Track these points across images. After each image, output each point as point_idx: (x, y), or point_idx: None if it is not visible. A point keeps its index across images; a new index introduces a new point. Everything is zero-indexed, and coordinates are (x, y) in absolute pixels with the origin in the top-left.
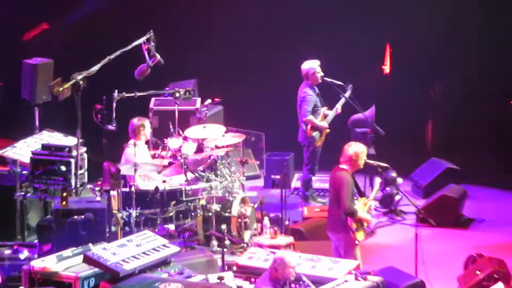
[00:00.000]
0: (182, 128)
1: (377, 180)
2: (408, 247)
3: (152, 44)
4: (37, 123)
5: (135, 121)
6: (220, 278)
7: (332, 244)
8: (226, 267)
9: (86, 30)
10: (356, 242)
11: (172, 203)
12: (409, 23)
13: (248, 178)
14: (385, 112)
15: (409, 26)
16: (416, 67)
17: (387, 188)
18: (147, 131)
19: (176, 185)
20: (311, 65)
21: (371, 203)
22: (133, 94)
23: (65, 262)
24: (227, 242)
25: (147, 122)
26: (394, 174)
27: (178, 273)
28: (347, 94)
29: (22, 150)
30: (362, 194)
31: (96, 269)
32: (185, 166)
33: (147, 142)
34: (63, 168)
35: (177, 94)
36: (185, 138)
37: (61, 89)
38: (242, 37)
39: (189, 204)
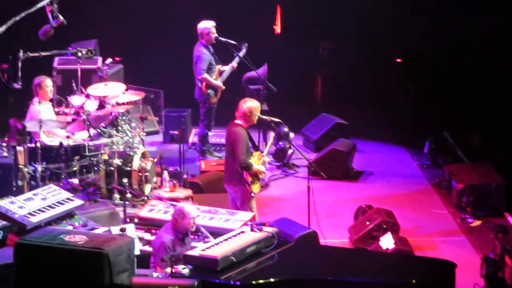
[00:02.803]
0: (84, 86)
1: (271, 135)
2: (300, 199)
3: (55, 6)
4: None
5: (36, 79)
6: (122, 230)
7: (229, 196)
8: (128, 219)
9: None
10: (252, 194)
11: (76, 158)
12: None
13: (148, 133)
14: (277, 70)
15: None
16: (305, 27)
17: (280, 143)
18: (46, 89)
19: (79, 140)
20: (206, 25)
21: (265, 157)
22: (37, 54)
23: None
24: (128, 195)
25: (47, 81)
26: (286, 129)
27: (82, 226)
28: (242, 53)
29: None
30: (256, 148)
31: (4, 222)
32: (87, 123)
33: (51, 100)
34: None
35: (80, 54)
36: (87, 96)
37: None
38: None
39: (92, 159)
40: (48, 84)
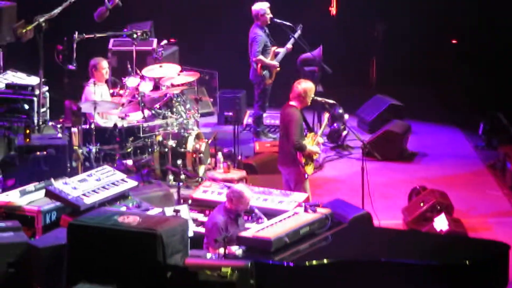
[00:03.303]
0: (139, 67)
1: (325, 116)
2: (355, 180)
3: None
4: (1, 63)
5: (92, 61)
6: (176, 211)
7: (283, 177)
8: (181, 201)
9: None
10: (306, 175)
11: (130, 139)
12: None
13: (202, 115)
14: (331, 51)
15: None
16: (359, 8)
17: (334, 124)
18: (102, 71)
19: (134, 122)
20: (261, 6)
21: (319, 138)
22: (92, 36)
23: (28, 197)
24: (182, 176)
25: (103, 63)
26: (341, 111)
27: (136, 207)
28: (296, 35)
29: None
30: (311, 129)
31: (58, 203)
32: (142, 104)
33: (106, 81)
34: (26, 106)
35: (135, 35)
36: (142, 77)
37: (24, 30)
38: None
39: (146, 140)
40: (103, 65)
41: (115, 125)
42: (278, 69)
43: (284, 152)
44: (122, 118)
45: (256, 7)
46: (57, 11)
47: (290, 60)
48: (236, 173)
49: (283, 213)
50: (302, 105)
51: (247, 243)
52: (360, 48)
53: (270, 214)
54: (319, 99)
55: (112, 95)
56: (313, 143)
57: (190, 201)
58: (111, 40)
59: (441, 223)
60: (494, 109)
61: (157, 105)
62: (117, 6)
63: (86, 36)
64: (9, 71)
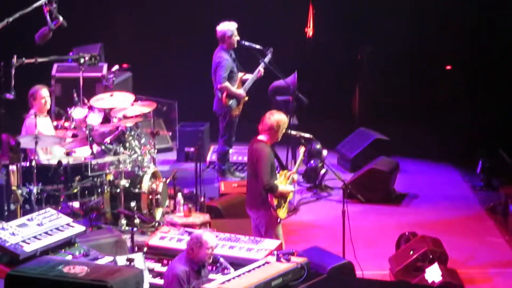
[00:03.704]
0: (87, 96)
1: (301, 149)
2: (334, 226)
3: (54, 5)
4: None
5: (35, 89)
6: (130, 260)
7: (252, 222)
8: (136, 248)
9: None
10: (278, 220)
11: (77, 178)
12: None
13: (160, 150)
14: (308, 78)
15: None
16: (341, 29)
17: (311, 161)
18: (48, 100)
19: (81, 159)
20: (229, 27)
21: (294, 175)
22: (33, 60)
23: None
24: (137, 220)
25: (45, 91)
26: (318, 146)
27: (83, 255)
28: (267, 59)
29: None
30: (283, 166)
31: None
32: (90, 138)
33: (49, 112)
34: None
35: (82, 60)
36: (90, 108)
37: None
38: None
39: (95, 179)
40: (42, 94)
41: (60, 162)
42: (246, 98)
43: (252, 193)
44: (68, 154)
45: (223, 27)
46: None
47: (260, 88)
48: (198, 217)
49: (252, 262)
50: (273, 140)
51: None
52: (341, 75)
53: (237, 263)
54: (293, 133)
55: (56, 128)
56: (286, 182)
57: (145, 249)
58: (55, 65)
59: (433, 274)
60: (495, 144)
61: (108, 140)
62: (62, 26)
63: (26, 60)
64: None
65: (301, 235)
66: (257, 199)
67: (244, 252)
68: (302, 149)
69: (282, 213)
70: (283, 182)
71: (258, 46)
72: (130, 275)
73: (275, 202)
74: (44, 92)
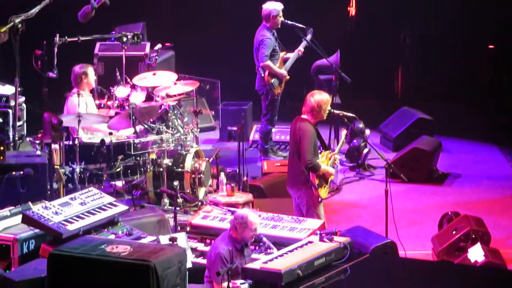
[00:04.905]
0: (130, 75)
1: (343, 132)
2: (377, 205)
3: None
4: None
5: (78, 68)
6: (173, 240)
7: (293, 201)
8: (179, 228)
9: None
10: (319, 199)
11: (120, 157)
12: None
13: (202, 129)
14: (351, 57)
15: None
16: (384, 9)
17: (354, 141)
18: (91, 79)
19: (123, 137)
20: (275, 6)
21: (336, 156)
22: (76, 39)
23: (3, 223)
24: (179, 200)
25: (90, 69)
26: (361, 125)
27: (126, 234)
28: (308, 38)
29: None
30: (326, 147)
31: (37, 230)
32: (133, 117)
33: (91, 91)
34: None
35: (124, 39)
36: (133, 87)
37: None
38: None
39: (138, 158)
40: (89, 73)
41: (102, 141)
42: (288, 77)
43: (294, 172)
44: (110, 133)
45: (269, 6)
46: (35, 10)
47: (302, 67)
48: (241, 197)
49: (295, 242)
50: (316, 119)
51: (254, 276)
52: (384, 55)
53: (280, 243)
54: (336, 112)
55: (99, 106)
56: (328, 162)
57: (188, 228)
58: (97, 44)
59: (476, 254)
60: None
61: (151, 119)
62: (105, 4)
63: (69, 39)
64: None
65: (343, 215)
66: (299, 178)
67: (286, 231)
68: (344, 132)
69: (323, 192)
70: (324, 163)
71: (300, 25)
72: (173, 254)
73: (316, 181)
74: (90, 70)
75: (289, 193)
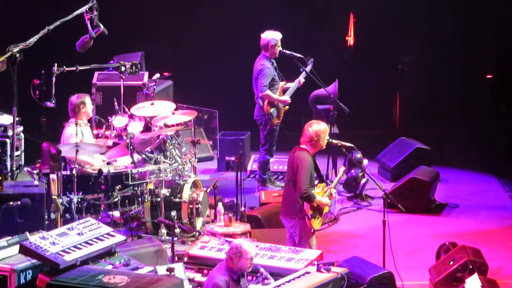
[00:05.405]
0: (128, 105)
1: (341, 169)
2: (375, 235)
3: (95, 13)
4: None
5: (75, 98)
6: (170, 270)
7: (287, 231)
8: (176, 258)
9: None
10: (312, 230)
11: (117, 187)
12: None
13: (200, 159)
14: (349, 87)
15: None
16: (382, 38)
17: (352, 171)
18: (88, 109)
19: (121, 167)
20: (274, 36)
21: (333, 190)
22: (74, 68)
23: (0, 253)
24: (177, 230)
25: (88, 99)
26: (359, 155)
27: (123, 264)
28: (308, 68)
29: None
30: (322, 179)
31: (34, 261)
32: (131, 147)
33: (89, 121)
34: None
35: (123, 68)
36: (131, 116)
37: None
38: (192, 3)
39: (136, 188)
40: (86, 102)
41: (100, 171)
42: (287, 107)
43: (288, 201)
44: (108, 163)
45: (268, 36)
46: (33, 39)
47: (301, 97)
48: (238, 227)
49: (292, 272)
50: (315, 149)
51: None
52: (382, 84)
53: (277, 273)
54: (334, 142)
55: (97, 136)
56: (323, 194)
57: (185, 259)
58: (96, 74)
59: (473, 285)
60: None
61: (148, 149)
62: (103, 34)
63: (67, 68)
64: None
65: (341, 245)
66: (293, 207)
67: (284, 262)
68: (342, 168)
69: (316, 224)
70: (320, 194)
71: (299, 55)
72: (170, 285)
73: (310, 212)
74: (88, 101)
75: (282, 223)
